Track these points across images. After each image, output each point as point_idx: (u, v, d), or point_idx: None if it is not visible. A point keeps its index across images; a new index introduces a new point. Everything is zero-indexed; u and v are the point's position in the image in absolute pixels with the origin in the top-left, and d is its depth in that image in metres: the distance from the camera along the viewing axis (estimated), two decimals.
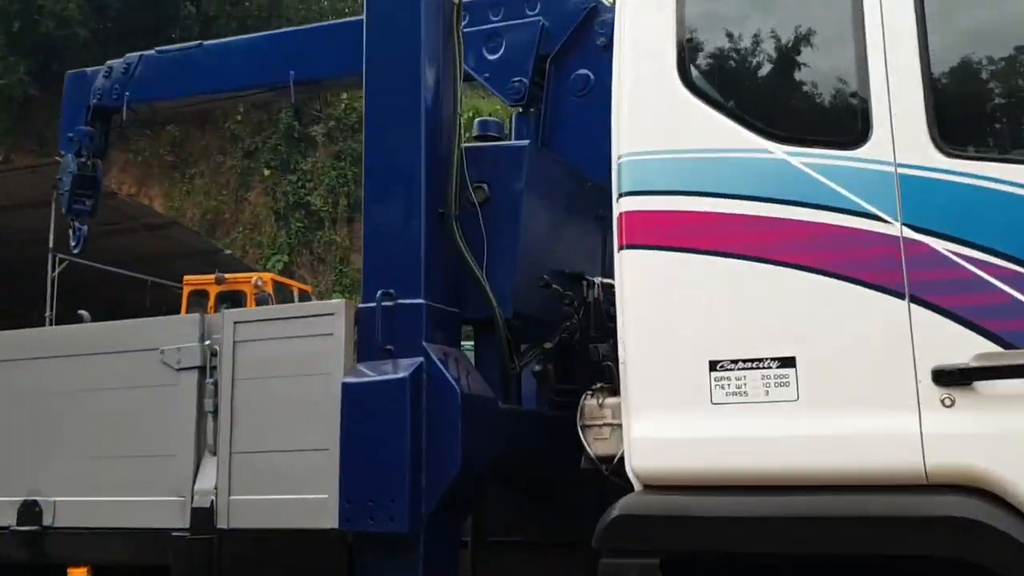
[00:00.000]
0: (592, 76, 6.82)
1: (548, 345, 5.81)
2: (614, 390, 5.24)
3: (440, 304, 5.61)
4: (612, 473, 5.08)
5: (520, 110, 7.26)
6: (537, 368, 5.80)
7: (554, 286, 5.83)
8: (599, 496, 5.14)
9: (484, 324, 5.88)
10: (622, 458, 4.75)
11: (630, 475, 4.80)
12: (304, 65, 7.88)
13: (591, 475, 5.49)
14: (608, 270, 5.75)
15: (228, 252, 25.40)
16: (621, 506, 4.73)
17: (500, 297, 5.72)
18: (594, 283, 5.71)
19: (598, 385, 5.33)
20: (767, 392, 4.35)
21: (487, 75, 7.16)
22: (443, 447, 5.28)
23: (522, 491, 6.29)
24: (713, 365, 4.46)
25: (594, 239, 6.57)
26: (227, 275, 21.33)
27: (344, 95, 22.27)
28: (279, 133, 24.76)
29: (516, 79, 7.04)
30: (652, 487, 4.74)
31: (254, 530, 5.59)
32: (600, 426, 5.23)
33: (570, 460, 5.19)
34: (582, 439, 5.25)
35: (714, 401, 4.44)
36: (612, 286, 5.00)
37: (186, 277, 22.25)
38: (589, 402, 5.29)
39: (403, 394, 5.29)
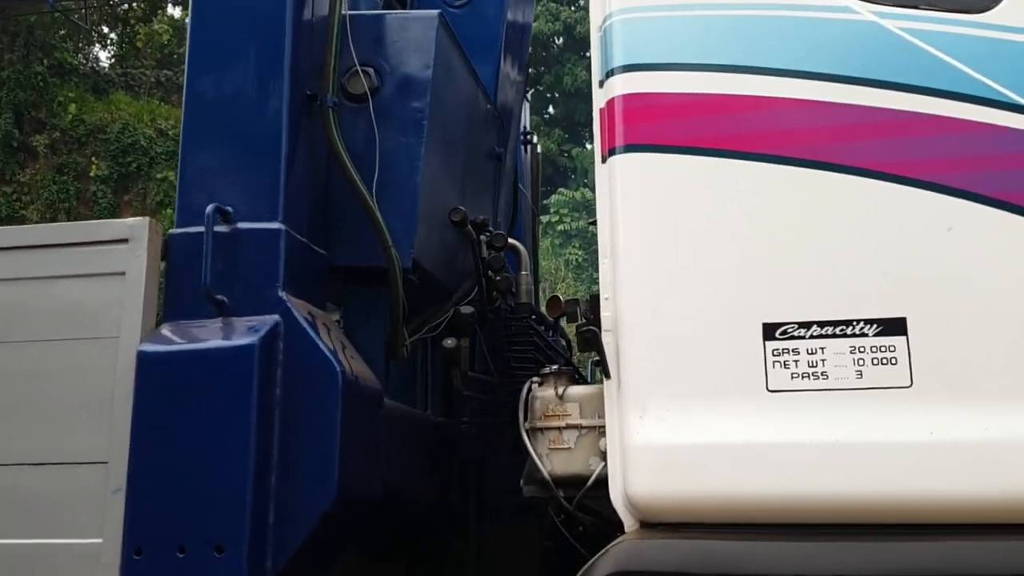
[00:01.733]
0: None
1: (467, 309, 3.85)
2: (574, 377, 3.42)
3: (303, 238, 3.56)
4: (575, 504, 3.24)
5: None
6: (448, 343, 3.83)
7: (471, 226, 3.93)
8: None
9: (363, 278, 3.87)
10: (597, 480, 3.27)
11: (618, 506, 3.14)
12: None
13: (535, 507, 3.78)
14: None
15: None
16: (617, 560, 2.90)
17: (395, 236, 3.73)
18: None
19: (551, 368, 3.49)
20: (859, 374, 2.93)
21: None
22: (310, 463, 3.23)
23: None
24: (769, 331, 3.01)
25: (485, 182, 4.74)
26: None
27: (72, 106, 19.50)
28: None
29: None
30: (656, 526, 3.03)
31: None
32: (560, 430, 3.36)
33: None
34: (528, 448, 3.37)
35: (771, 387, 2.97)
36: None
37: None
38: (542, 393, 3.42)
39: (247, 373, 3.22)
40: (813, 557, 2.81)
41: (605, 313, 3.18)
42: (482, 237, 4.27)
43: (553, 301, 5.36)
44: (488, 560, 4.48)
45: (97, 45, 21.32)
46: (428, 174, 3.90)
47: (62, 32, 19.99)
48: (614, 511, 3.15)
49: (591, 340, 3.13)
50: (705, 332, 3.04)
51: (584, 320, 3.24)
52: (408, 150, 3.82)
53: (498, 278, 4.12)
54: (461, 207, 4.02)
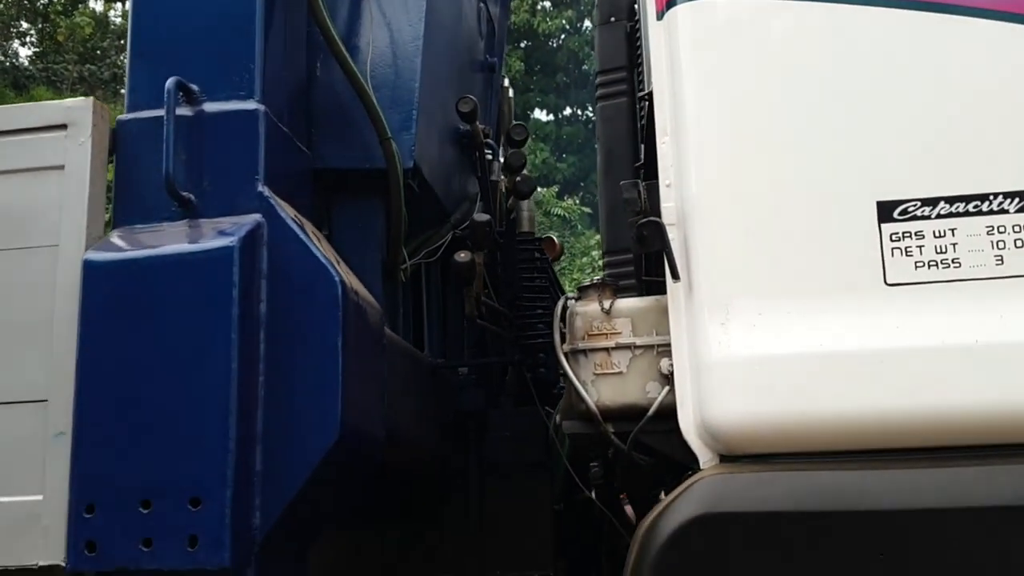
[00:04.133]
0: None
1: (482, 216, 3.23)
2: (614, 287, 2.87)
3: (284, 128, 2.91)
4: (630, 440, 2.68)
5: None
6: (461, 256, 3.20)
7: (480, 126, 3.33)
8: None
9: (353, 186, 3.24)
10: (658, 410, 2.69)
11: (691, 437, 2.57)
12: None
13: (543, 465, 3.68)
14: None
15: None
16: (704, 500, 2.34)
17: (392, 131, 3.11)
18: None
19: (593, 279, 2.92)
20: (999, 259, 2.39)
21: None
22: (305, 394, 2.59)
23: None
24: (886, 211, 2.46)
25: (479, 92, 4.15)
26: None
27: None
28: None
29: None
30: (740, 459, 2.46)
31: None
32: (607, 351, 2.77)
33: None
34: (569, 374, 2.78)
35: (890, 280, 2.43)
36: None
37: None
38: (583, 308, 2.84)
39: (224, 283, 2.57)
40: (958, 485, 2.28)
41: (667, 204, 2.61)
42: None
43: (548, 242, 4.78)
44: (492, 524, 3.88)
45: (16, 40, 20.07)
46: (427, 63, 3.28)
47: None
48: (678, 447, 2.59)
49: (653, 235, 2.55)
50: (803, 215, 2.48)
51: (639, 213, 2.66)
52: (407, 30, 3.20)
53: (518, 178, 3.52)
54: (471, 96, 3.40)
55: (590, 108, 20.32)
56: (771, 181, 2.52)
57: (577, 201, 18.51)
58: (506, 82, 6.08)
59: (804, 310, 2.43)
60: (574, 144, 21.66)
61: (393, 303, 3.47)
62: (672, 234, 2.56)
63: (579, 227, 17.82)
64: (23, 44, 19.68)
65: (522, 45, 21.31)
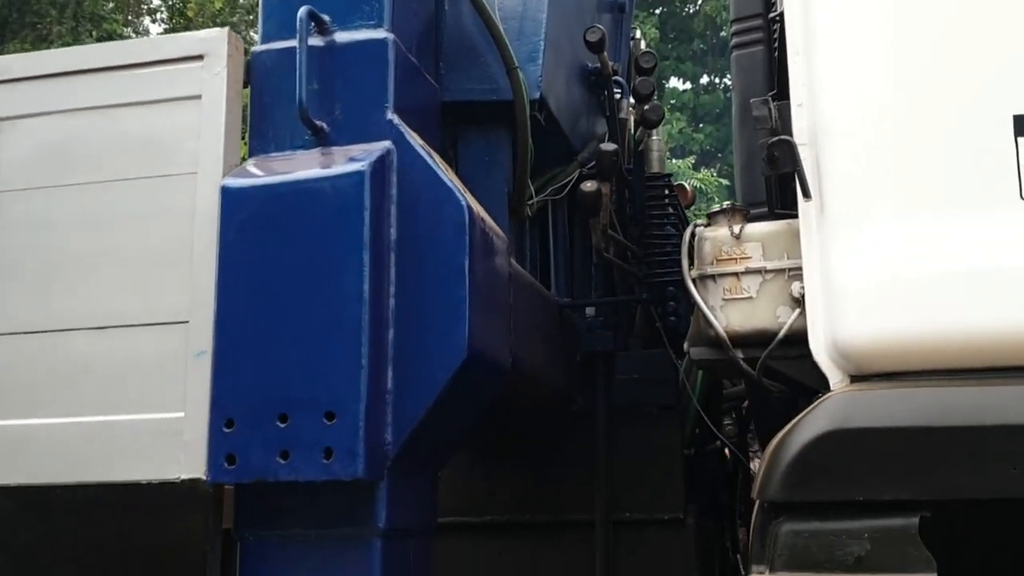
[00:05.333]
0: None
1: (610, 146, 3.20)
2: (745, 212, 2.79)
3: (413, 57, 2.93)
4: (759, 365, 2.62)
5: None
6: (588, 186, 3.18)
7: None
8: None
9: (479, 118, 3.25)
10: (788, 334, 2.65)
11: (822, 358, 2.52)
12: None
13: (673, 408, 3.73)
14: None
15: None
16: (834, 415, 2.26)
17: (520, 62, 3.10)
18: None
19: (722, 205, 2.85)
20: None
21: None
22: (434, 316, 2.61)
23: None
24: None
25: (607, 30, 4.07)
26: None
27: None
28: None
29: None
30: (872, 378, 2.42)
31: (21, 489, 2.69)
32: (737, 276, 2.71)
33: None
34: (697, 300, 2.72)
35: None
36: None
37: None
38: (712, 233, 2.77)
39: (356, 206, 2.61)
40: None
41: (799, 123, 2.53)
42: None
43: (679, 188, 4.70)
44: (620, 466, 3.85)
45: (147, 17, 20.95)
46: None
47: (111, 4, 19.64)
48: (808, 372, 2.52)
49: (785, 155, 2.48)
50: (937, 132, 2.38)
51: (770, 132, 2.58)
52: None
53: (646, 107, 3.47)
54: (598, 26, 3.36)
55: (728, 76, 19.86)
56: (905, 97, 2.43)
57: (714, 173, 18.14)
58: (638, 33, 6.01)
59: (937, 227, 2.34)
60: (712, 114, 21.25)
61: (519, 238, 3.47)
62: (804, 154, 2.49)
63: (716, 199, 17.50)
64: (153, 21, 20.47)
65: (657, 11, 20.98)
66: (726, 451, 4.72)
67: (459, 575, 3.89)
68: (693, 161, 18.27)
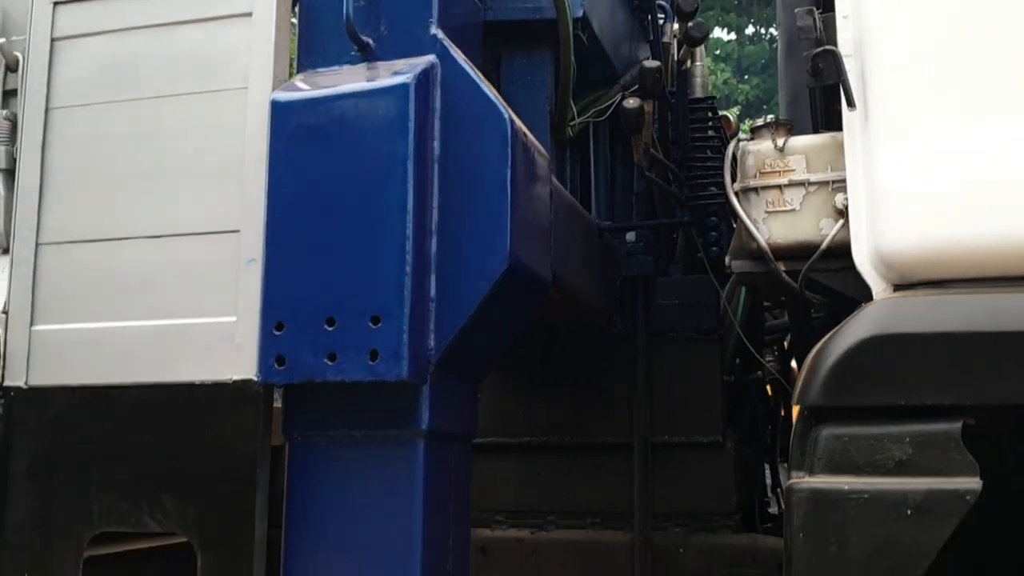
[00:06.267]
0: None
1: (652, 63, 3.21)
2: (788, 126, 2.80)
3: None
4: (801, 277, 2.65)
5: None
6: (631, 103, 3.21)
7: None
8: None
9: (521, 37, 3.29)
10: (830, 247, 2.70)
11: (865, 268, 2.55)
12: None
13: (713, 333, 3.83)
14: None
15: None
16: (876, 321, 2.28)
17: None
18: None
19: (765, 119, 2.85)
20: None
21: None
22: (476, 226, 2.68)
23: None
24: None
25: None
26: None
27: None
28: None
29: None
30: (915, 287, 2.42)
31: (82, 389, 2.82)
32: (780, 188, 2.73)
33: None
34: (740, 213, 2.75)
35: None
36: None
37: None
38: (756, 147, 2.79)
39: (401, 117, 2.65)
40: None
41: (844, 35, 2.54)
42: None
43: (723, 119, 4.69)
44: (659, 390, 3.91)
45: None
46: None
47: None
48: (851, 284, 2.55)
49: (829, 65, 2.49)
50: (984, 40, 2.37)
51: (815, 42, 2.59)
52: None
53: (690, 24, 3.47)
54: None
55: (774, 26, 19.56)
56: (951, 6, 2.42)
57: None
58: None
59: (983, 135, 2.34)
60: (756, 65, 20.93)
61: (560, 161, 3.51)
62: (848, 65, 2.50)
63: None
64: None
65: None
66: (767, 386, 4.75)
67: (498, 495, 4.00)
68: (738, 112, 18.09)
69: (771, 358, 4.91)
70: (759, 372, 4.52)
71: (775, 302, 4.18)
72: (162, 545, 3.08)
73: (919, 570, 2.10)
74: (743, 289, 4.01)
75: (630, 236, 3.98)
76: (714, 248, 4.19)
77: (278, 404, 2.80)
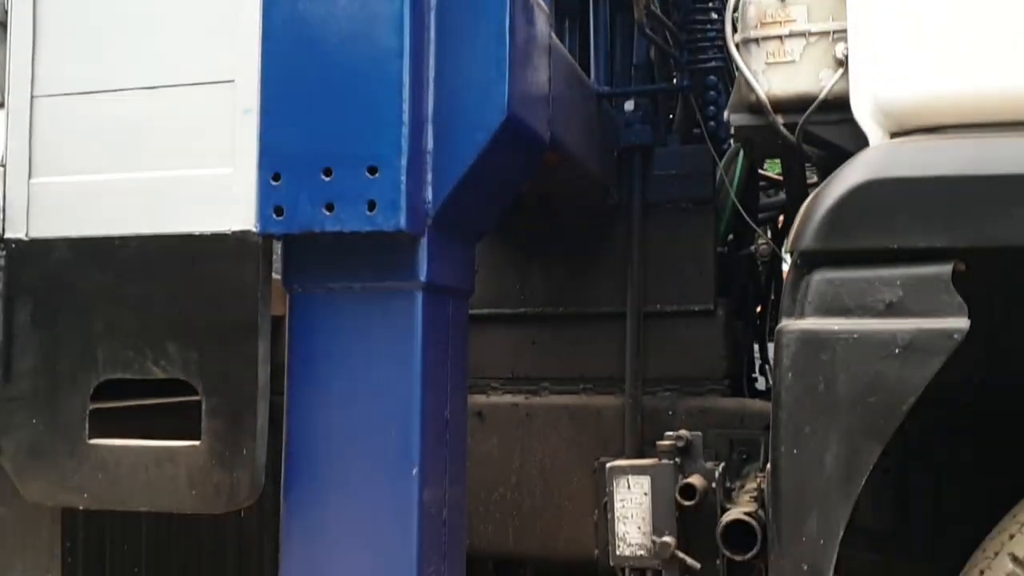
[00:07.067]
0: None
1: None
2: None
3: None
4: (799, 128, 2.65)
5: None
6: None
7: None
8: None
9: None
10: (828, 98, 2.67)
11: (863, 117, 2.54)
12: None
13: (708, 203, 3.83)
14: None
15: None
16: (872, 164, 2.29)
17: None
18: None
19: None
20: None
21: None
22: (474, 76, 2.69)
23: None
24: None
25: None
26: None
27: None
28: None
29: None
30: (912, 134, 2.40)
31: (83, 240, 2.84)
32: (780, 39, 2.72)
33: None
34: (740, 65, 2.74)
35: None
36: None
37: None
38: None
39: None
40: None
41: None
42: None
43: None
44: (653, 260, 3.95)
45: None
46: None
47: None
48: (848, 136, 2.56)
49: None
50: None
51: None
52: None
53: None
54: None
55: None
56: None
57: None
58: None
59: None
60: None
61: (560, 24, 3.47)
62: None
63: None
64: None
65: None
66: (758, 262, 4.79)
67: (494, 363, 4.08)
68: None
69: (763, 241, 4.95)
70: (752, 248, 4.55)
71: (774, 155, 4.13)
72: (167, 402, 3.13)
73: (904, 406, 2.16)
74: (740, 160, 4.01)
75: (628, 105, 3.96)
76: (711, 123, 4.19)
77: (277, 276, 2.84)
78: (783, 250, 2.46)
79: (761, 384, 4.71)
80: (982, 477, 2.97)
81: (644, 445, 3.67)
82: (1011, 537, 2.25)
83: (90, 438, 2.79)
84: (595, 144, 3.69)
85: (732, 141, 4.21)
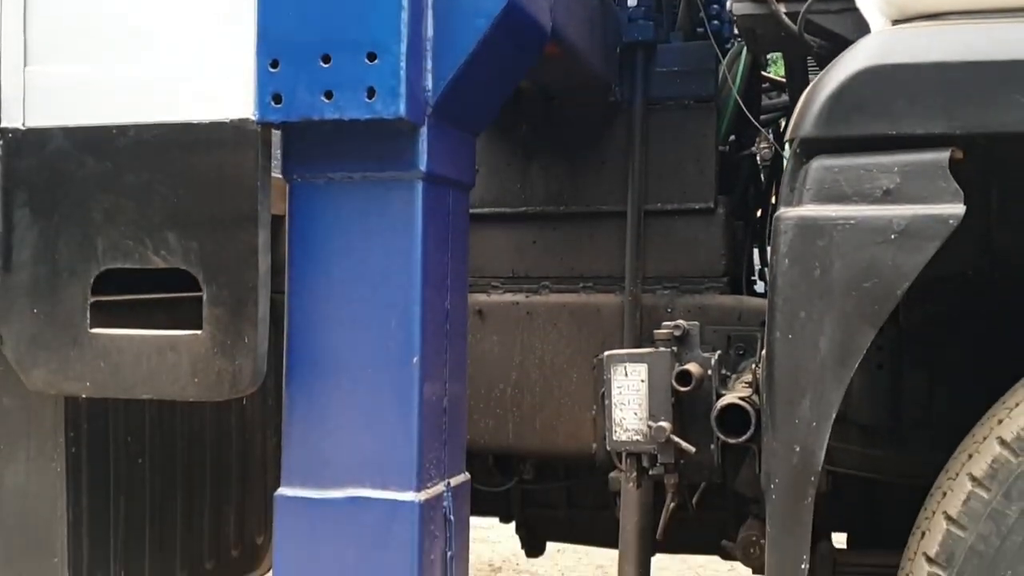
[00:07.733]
0: None
1: None
2: None
3: None
4: (801, 18, 2.62)
5: None
6: None
7: None
8: None
9: None
10: None
11: (865, 5, 2.35)
12: None
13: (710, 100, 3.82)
14: None
15: None
16: (871, 52, 2.27)
17: None
18: None
19: None
20: None
21: None
22: None
23: None
24: None
25: None
26: None
27: None
28: None
29: None
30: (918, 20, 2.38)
31: (80, 129, 2.82)
32: None
33: None
34: None
35: None
36: None
37: None
38: None
39: None
40: None
41: None
42: None
43: None
44: (655, 158, 3.93)
45: None
46: None
47: None
48: (851, 26, 2.53)
49: None
50: None
51: None
52: None
53: None
54: None
55: None
56: None
57: None
58: None
59: None
60: None
61: None
62: None
63: None
64: None
65: None
66: (760, 164, 4.76)
67: (494, 263, 4.09)
68: None
69: (765, 145, 4.91)
70: (754, 149, 4.52)
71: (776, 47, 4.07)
72: (168, 296, 3.15)
73: (898, 291, 2.18)
74: (743, 58, 3.97)
75: (632, 1, 3.90)
76: (715, 21, 4.12)
77: (277, 174, 2.83)
78: (789, 132, 2.45)
79: (760, 288, 4.73)
80: (973, 375, 3.00)
81: (643, 342, 3.71)
82: (1000, 422, 2.28)
83: (92, 327, 2.82)
84: (597, 39, 3.64)
85: (735, 39, 4.16)
